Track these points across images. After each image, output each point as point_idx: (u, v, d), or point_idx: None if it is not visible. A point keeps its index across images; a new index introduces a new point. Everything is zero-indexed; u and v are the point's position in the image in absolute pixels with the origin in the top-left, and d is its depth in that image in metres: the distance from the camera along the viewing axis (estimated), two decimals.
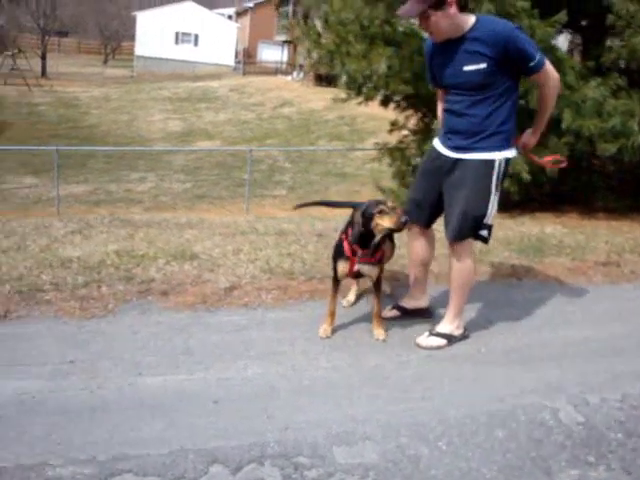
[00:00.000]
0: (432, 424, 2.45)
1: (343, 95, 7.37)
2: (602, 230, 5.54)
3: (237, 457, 2.18)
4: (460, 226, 2.97)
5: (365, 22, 6.42)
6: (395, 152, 7.73)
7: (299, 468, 2.14)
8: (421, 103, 7.09)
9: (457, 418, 2.51)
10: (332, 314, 3.19)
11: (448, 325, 3.16)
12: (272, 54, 43.82)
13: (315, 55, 7.25)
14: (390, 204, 2.95)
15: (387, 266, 3.43)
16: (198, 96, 28.78)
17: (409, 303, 3.42)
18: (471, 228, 2.99)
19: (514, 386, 2.80)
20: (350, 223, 3.06)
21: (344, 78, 6.87)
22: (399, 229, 2.96)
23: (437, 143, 3.13)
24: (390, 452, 2.27)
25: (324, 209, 4.28)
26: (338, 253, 3.12)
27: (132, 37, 43.91)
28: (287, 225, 5.17)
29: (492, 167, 2.91)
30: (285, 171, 14.92)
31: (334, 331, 3.19)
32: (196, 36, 42.15)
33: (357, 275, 3.17)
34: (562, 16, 5.38)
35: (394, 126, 7.96)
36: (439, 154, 3.07)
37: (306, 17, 11.75)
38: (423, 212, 3.19)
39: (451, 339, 3.14)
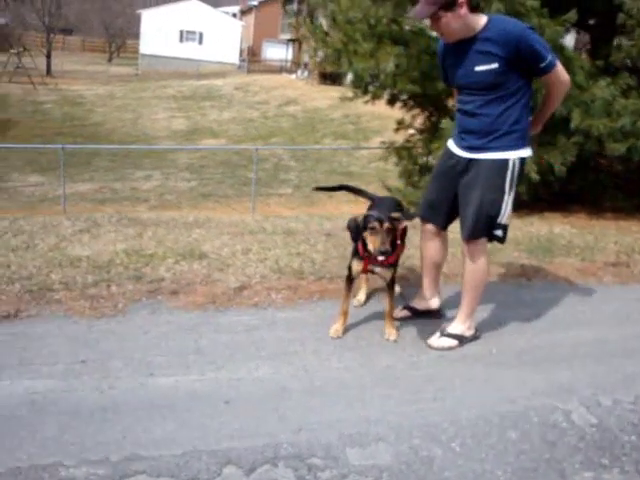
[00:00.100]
0: (444, 425, 2.45)
1: (350, 94, 7.35)
2: (611, 230, 5.51)
3: (250, 458, 2.17)
4: (474, 225, 2.96)
5: (372, 21, 6.40)
6: (402, 151, 7.70)
7: (313, 469, 2.14)
8: (428, 102, 7.07)
9: (469, 419, 2.50)
10: (345, 314, 3.18)
11: (460, 325, 3.14)
12: (277, 52, 43.82)
13: (321, 53, 7.24)
14: (387, 225, 2.89)
15: None
16: (202, 94, 28.80)
17: (420, 304, 3.41)
18: (485, 228, 2.98)
19: (525, 387, 2.79)
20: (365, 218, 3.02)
21: (351, 77, 6.85)
22: (374, 256, 2.92)
23: (451, 143, 3.12)
24: (403, 453, 2.26)
25: (331, 208, 4.28)
26: (353, 252, 3.12)
27: (137, 35, 44.01)
28: (295, 224, 5.16)
29: (506, 166, 2.89)
30: (290, 170, 14.91)
31: (345, 331, 3.18)
32: (201, 34, 42.20)
33: (372, 271, 3.15)
34: (572, 15, 5.34)
35: (400, 125, 7.95)
36: (453, 154, 3.06)
37: (311, 15, 11.73)
38: (437, 213, 3.18)
39: (462, 340, 3.13)
